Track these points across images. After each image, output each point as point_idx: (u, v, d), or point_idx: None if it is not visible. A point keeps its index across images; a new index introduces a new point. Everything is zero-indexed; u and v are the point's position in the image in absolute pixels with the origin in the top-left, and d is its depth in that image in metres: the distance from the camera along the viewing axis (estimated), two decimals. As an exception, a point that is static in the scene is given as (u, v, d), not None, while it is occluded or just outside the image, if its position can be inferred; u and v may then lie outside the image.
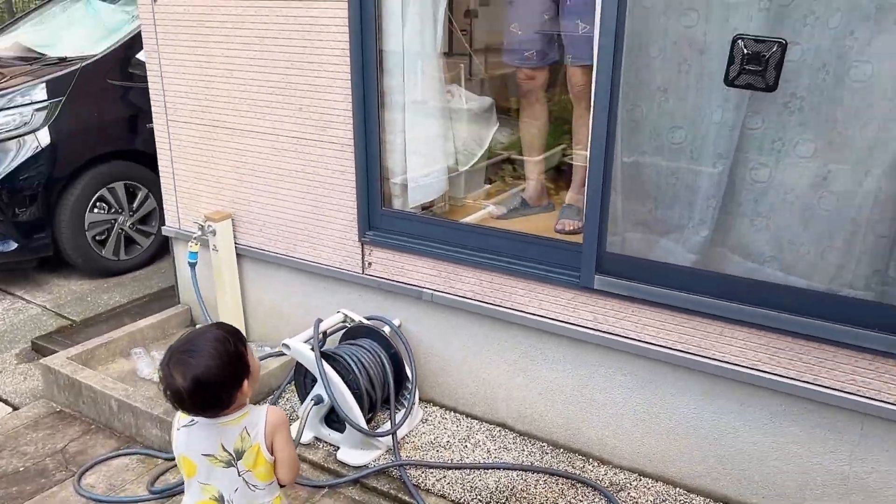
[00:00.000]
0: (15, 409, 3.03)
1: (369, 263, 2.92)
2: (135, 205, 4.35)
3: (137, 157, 4.35)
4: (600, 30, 2.22)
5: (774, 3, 2.05)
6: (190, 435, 1.68)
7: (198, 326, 1.80)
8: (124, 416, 2.76)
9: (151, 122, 4.31)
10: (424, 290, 2.80)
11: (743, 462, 2.34)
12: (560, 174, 3.66)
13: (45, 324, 3.73)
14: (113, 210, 4.25)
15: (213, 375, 1.58)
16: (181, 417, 1.70)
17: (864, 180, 2.05)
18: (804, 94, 2.09)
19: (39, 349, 3.45)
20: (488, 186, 3.62)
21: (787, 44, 1.98)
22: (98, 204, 4.16)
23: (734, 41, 2.03)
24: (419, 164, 3.03)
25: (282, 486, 1.79)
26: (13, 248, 3.92)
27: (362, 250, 2.92)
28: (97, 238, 4.19)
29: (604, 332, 2.45)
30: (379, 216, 2.88)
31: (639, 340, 2.39)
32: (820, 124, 2.09)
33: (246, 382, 1.66)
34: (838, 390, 2.11)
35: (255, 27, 2.89)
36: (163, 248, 4.54)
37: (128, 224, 4.32)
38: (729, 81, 2.07)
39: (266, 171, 3.08)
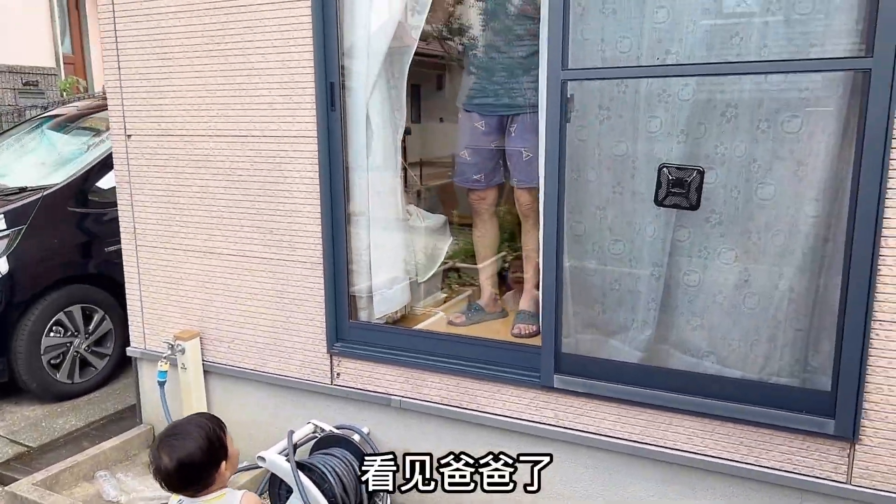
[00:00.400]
0: (-28, 543, 2.94)
1: (338, 374, 3.07)
2: (90, 327, 4.37)
3: (93, 279, 4.42)
4: (545, 158, 2.56)
5: (690, 136, 2.44)
6: None
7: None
8: (95, 541, 2.74)
9: (108, 246, 4.46)
10: (393, 396, 2.95)
11: (701, 545, 2.52)
12: (503, 280, 3.94)
13: (0, 452, 3.64)
14: (69, 333, 4.26)
15: (195, 457, 1.88)
16: (172, 498, 1.97)
17: (778, 282, 2.39)
18: (722, 211, 2.46)
19: (-4, 478, 3.38)
20: (443, 295, 3.87)
21: (704, 170, 2.36)
22: (54, 328, 4.18)
23: (660, 169, 2.40)
24: (383, 278, 3.25)
25: None
26: (-33, 375, 3.87)
27: (331, 361, 3.08)
28: (52, 362, 4.18)
29: (565, 428, 2.65)
30: (346, 328, 3.06)
31: (598, 434, 2.60)
32: (737, 235, 2.45)
33: (224, 464, 1.93)
34: (778, 470, 2.35)
35: (228, 159, 3.13)
36: (116, 370, 4.53)
37: (83, 346, 4.33)
38: (658, 202, 2.42)
39: (236, 290, 3.24)
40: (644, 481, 2.57)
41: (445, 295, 3.93)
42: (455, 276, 4.25)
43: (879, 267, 2.12)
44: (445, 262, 4.02)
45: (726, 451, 2.41)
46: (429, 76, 6.45)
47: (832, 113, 2.22)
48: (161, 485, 1.91)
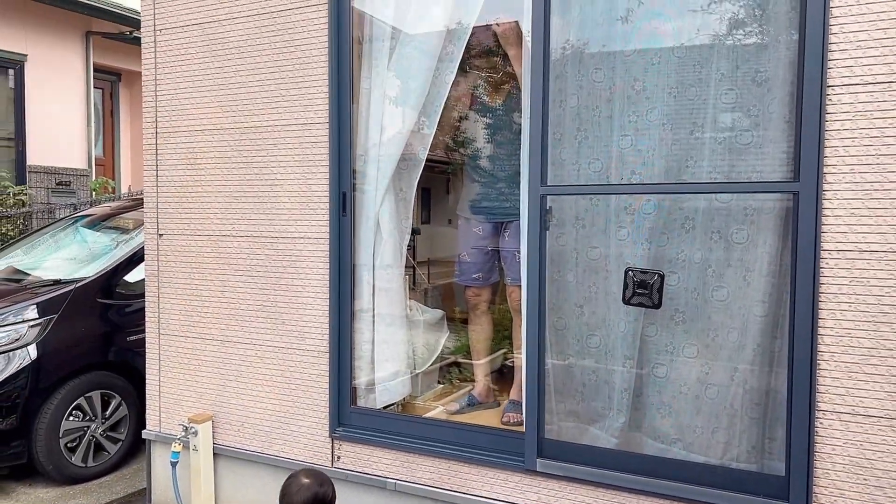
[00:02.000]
0: None
1: (338, 457, 3.30)
2: (108, 412, 4.62)
3: (113, 367, 4.71)
4: (528, 261, 2.90)
5: (654, 243, 2.79)
6: None
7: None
8: None
9: (130, 335, 4.78)
10: (388, 479, 3.17)
11: None
12: (502, 375, 4.21)
13: (13, 530, 3.83)
14: (87, 417, 4.51)
15: (321, 496, 2.35)
16: None
17: (734, 375, 2.66)
18: (684, 310, 2.77)
19: (9, 554, 3.55)
20: (441, 386, 4.13)
21: (664, 274, 2.69)
22: (74, 412, 4.43)
23: (626, 272, 2.73)
24: (385, 370, 3.53)
25: None
26: (-11, 455, 4.10)
27: (332, 445, 3.31)
28: (68, 445, 4.40)
29: (546, 510, 2.85)
30: (348, 414, 3.32)
31: (576, 516, 2.80)
32: (698, 332, 2.75)
33: None
34: (740, 551, 2.54)
35: (248, 258, 3.50)
36: (127, 455, 4.74)
37: (99, 431, 4.56)
38: (626, 301, 2.74)
39: (248, 376, 3.52)
40: (620, 562, 2.74)
41: (444, 388, 4.18)
42: (456, 370, 4.52)
43: (819, 362, 2.40)
44: (446, 358, 4.30)
45: (693, 532, 2.61)
46: (439, 180, 6.94)
47: (771, 227, 2.57)
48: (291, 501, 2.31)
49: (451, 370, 4.45)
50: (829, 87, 2.36)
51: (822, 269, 2.38)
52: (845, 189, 2.34)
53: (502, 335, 4.30)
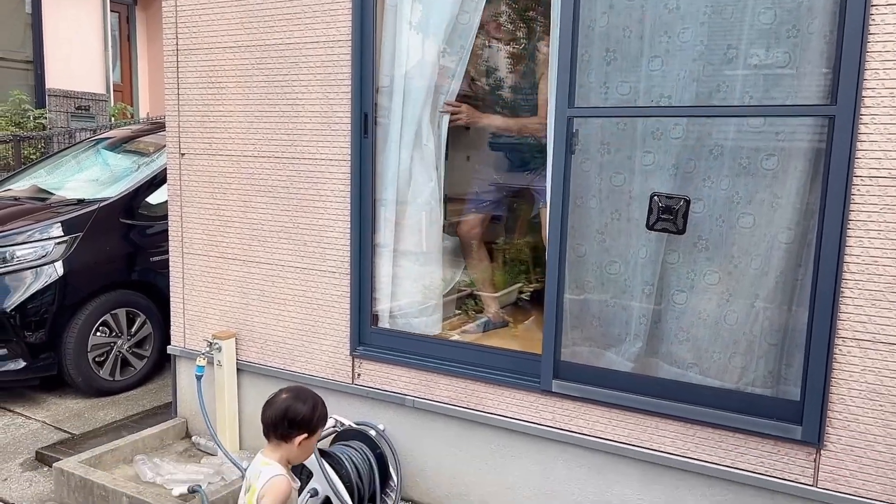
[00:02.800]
0: (22, 511, 3.26)
1: (358, 374, 3.38)
2: (133, 330, 4.74)
3: (136, 286, 4.80)
4: (551, 187, 2.87)
5: (680, 169, 2.76)
6: (252, 461, 2.34)
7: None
8: (134, 511, 3.04)
9: (152, 256, 4.85)
10: (407, 396, 3.24)
11: (681, 541, 2.75)
12: (518, 308, 4.24)
13: (46, 437, 3.99)
14: (113, 334, 4.63)
15: (297, 414, 2.24)
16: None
17: (755, 301, 2.66)
18: (707, 237, 2.75)
19: (43, 458, 3.70)
20: (457, 316, 4.17)
21: (690, 199, 2.66)
22: (100, 328, 4.55)
23: (651, 197, 2.70)
24: (403, 296, 3.57)
25: None
26: (21, 366, 4.24)
27: (353, 363, 3.38)
28: (96, 359, 4.53)
29: (561, 429, 2.91)
30: (368, 333, 3.38)
31: (590, 435, 2.86)
32: (721, 259, 2.74)
33: (299, 440, 2.24)
34: (752, 472, 2.59)
35: (271, 179, 3.51)
36: (153, 370, 4.88)
37: (125, 347, 4.69)
38: (649, 227, 2.72)
39: (270, 295, 3.58)
40: (630, 480, 2.81)
41: (461, 317, 4.22)
42: (472, 302, 4.55)
43: (842, 290, 2.39)
44: (462, 289, 4.34)
45: (706, 453, 2.66)
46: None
47: (802, 154, 2.52)
48: (263, 415, 2.28)
49: (467, 302, 4.49)
50: (872, 6, 2.26)
51: (852, 196, 2.34)
52: (883, 114, 2.28)
53: (518, 269, 4.31)
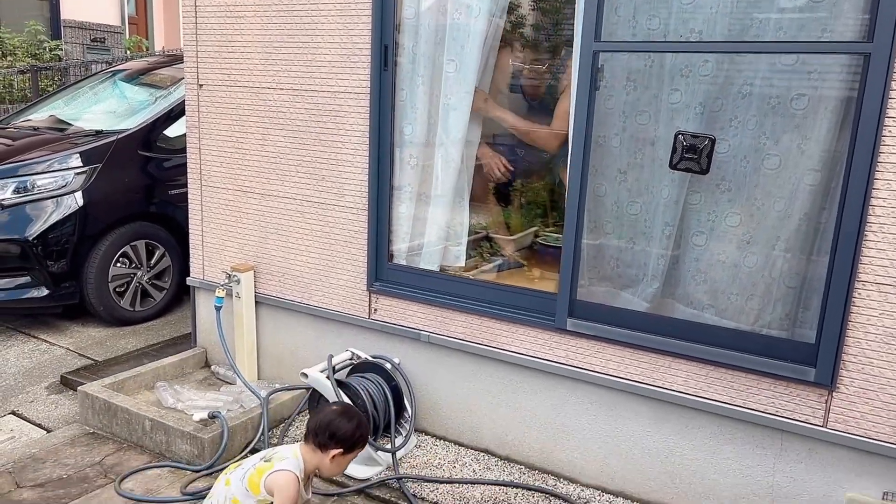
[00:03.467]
0: (49, 431, 3.37)
1: (375, 309, 3.41)
2: (152, 261, 4.80)
3: (155, 218, 4.84)
4: (574, 123, 2.82)
5: (707, 108, 2.70)
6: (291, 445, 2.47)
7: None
8: (156, 434, 3.14)
9: (171, 189, 4.86)
10: (422, 332, 3.28)
11: (688, 477, 2.80)
12: (534, 253, 4.23)
13: (70, 363, 4.09)
14: (133, 265, 4.69)
15: (337, 429, 2.35)
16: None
17: (776, 244, 2.64)
18: (731, 178, 2.71)
19: (68, 382, 3.81)
20: (473, 258, 4.17)
21: (716, 139, 2.61)
22: (121, 259, 4.61)
23: (676, 136, 2.66)
24: (421, 232, 3.57)
25: None
26: (45, 294, 4.33)
27: (369, 298, 3.42)
28: (117, 290, 4.61)
29: (574, 366, 2.95)
30: (385, 269, 3.40)
31: (603, 373, 2.90)
32: (743, 201, 2.71)
33: (333, 453, 2.35)
34: (762, 412, 2.62)
35: (289, 112, 3.48)
36: (172, 302, 4.97)
37: (145, 278, 4.76)
38: (672, 166, 2.69)
39: (288, 229, 3.60)
40: (641, 418, 2.86)
41: (476, 259, 4.22)
42: (487, 244, 4.54)
43: (866, 233, 2.36)
44: (478, 231, 4.32)
45: (717, 393, 2.69)
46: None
47: (834, 93, 2.45)
48: (310, 420, 2.47)
49: (482, 244, 4.48)
50: (918, -63, 2.17)
51: (883, 138, 2.29)
52: (920, 52, 2.20)
53: (534, 213, 4.28)
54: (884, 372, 2.41)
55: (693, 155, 2.63)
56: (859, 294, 2.40)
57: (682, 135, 2.64)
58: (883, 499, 2.46)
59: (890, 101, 2.26)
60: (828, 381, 2.47)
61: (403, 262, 3.44)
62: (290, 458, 2.36)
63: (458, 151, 3.44)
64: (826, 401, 2.51)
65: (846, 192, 2.37)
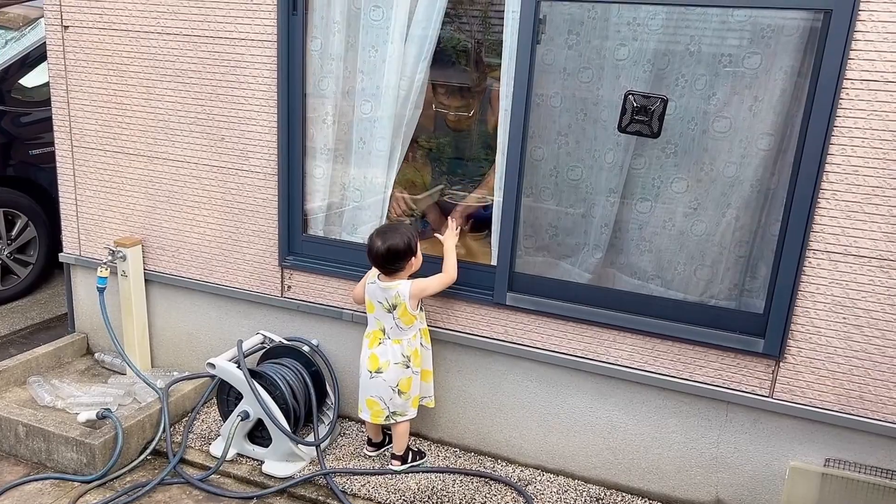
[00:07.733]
0: None
1: (289, 287, 3.06)
2: (13, 233, 4.15)
3: (14, 183, 4.17)
4: (514, 79, 2.56)
5: (655, 66, 2.52)
6: (372, 288, 2.63)
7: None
8: (33, 441, 2.67)
9: (33, 149, 4.21)
10: (345, 310, 2.98)
11: (631, 452, 2.71)
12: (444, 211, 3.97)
13: (-86, 357, 3.46)
14: (-11, 238, 4.03)
15: (399, 246, 2.55)
16: (369, 276, 2.66)
17: (725, 211, 2.54)
18: (678, 142, 2.57)
19: (-86, 383, 3.21)
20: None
21: (668, 100, 2.44)
22: (-27, 232, 3.94)
23: (626, 96, 2.46)
24: (339, 198, 3.22)
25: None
26: None
27: (282, 274, 3.06)
28: (-29, 268, 3.96)
29: (514, 343, 2.76)
30: (299, 242, 3.04)
31: (543, 349, 2.73)
32: (690, 166, 2.58)
33: (413, 260, 2.60)
34: (709, 384, 2.54)
35: (177, 61, 2.99)
36: (39, 279, 4.35)
37: (5, 253, 4.11)
38: (621, 129, 2.50)
39: (182, 198, 3.14)
40: (584, 394, 2.72)
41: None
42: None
43: (819, 200, 2.28)
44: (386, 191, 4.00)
45: (664, 366, 2.59)
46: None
47: (790, 52, 2.34)
48: (372, 262, 2.62)
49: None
50: None
51: (840, 101, 2.19)
52: (883, 10, 2.10)
53: (440, 170, 4.01)
54: (831, 341, 2.37)
55: (644, 117, 2.45)
56: (809, 263, 2.34)
57: (633, 95, 2.45)
58: (825, 466, 2.46)
59: (849, 61, 2.16)
60: (776, 352, 2.42)
61: (321, 234, 3.09)
62: (400, 285, 2.58)
63: (388, 108, 3.09)
64: (773, 371, 2.46)
65: (801, 157, 2.27)
